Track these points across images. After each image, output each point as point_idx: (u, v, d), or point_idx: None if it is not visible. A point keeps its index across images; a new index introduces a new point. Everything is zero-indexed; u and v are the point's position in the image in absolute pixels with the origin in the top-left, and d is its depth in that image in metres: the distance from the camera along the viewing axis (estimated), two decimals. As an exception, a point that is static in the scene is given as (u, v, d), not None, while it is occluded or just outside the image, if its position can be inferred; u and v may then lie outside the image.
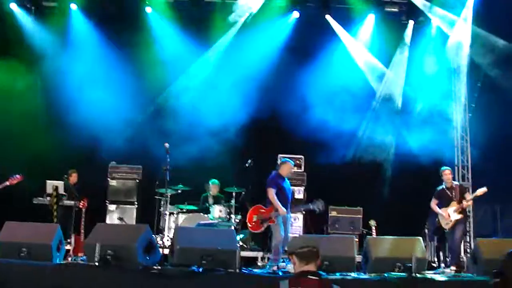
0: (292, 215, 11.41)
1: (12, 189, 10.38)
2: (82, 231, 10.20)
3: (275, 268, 8.24)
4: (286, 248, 8.82)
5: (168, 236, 11.10)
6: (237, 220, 11.32)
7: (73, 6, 13.35)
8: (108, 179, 12.41)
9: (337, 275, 7.44)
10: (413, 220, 13.05)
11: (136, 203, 12.29)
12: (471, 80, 14.43)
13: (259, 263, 10.25)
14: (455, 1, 13.75)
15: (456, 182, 10.95)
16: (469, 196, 10.42)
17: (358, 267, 8.41)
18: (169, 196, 11.39)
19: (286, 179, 9.74)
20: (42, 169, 11.67)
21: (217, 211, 11.23)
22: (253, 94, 12.97)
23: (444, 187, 10.54)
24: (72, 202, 10.67)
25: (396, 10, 13.79)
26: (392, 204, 12.69)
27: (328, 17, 13.73)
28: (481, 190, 10.25)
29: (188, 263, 7.39)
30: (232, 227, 10.65)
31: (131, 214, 12.16)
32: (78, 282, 7.07)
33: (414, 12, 13.86)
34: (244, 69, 13.15)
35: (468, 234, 13.42)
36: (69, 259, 9.19)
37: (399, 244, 8.39)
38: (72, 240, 10.25)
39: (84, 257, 8.29)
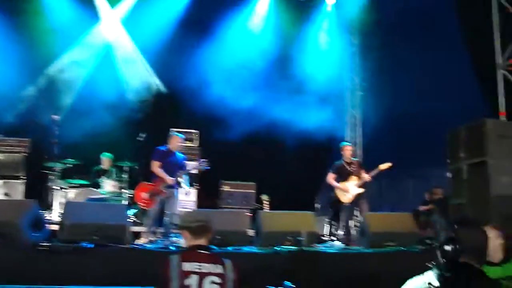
0: (185, 189, 11.43)
1: None
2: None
3: (166, 242, 8.22)
4: (176, 223, 8.85)
5: (57, 211, 10.78)
6: (130, 195, 11.16)
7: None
8: (-6, 152, 11.82)
9: (229, 249, 7.54)
10: (306, 195, 13.45)
11: (23, 177, 11.77)
12: (364, 58, 14.91)
13: (151, 238, 10.17)
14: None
15: (354, 158, 11.08)
16: (364, 173, 10.51)
17: (250, 241, 8.54)
18: (59, 171, 11.04)
19: (177, 153, 9.64)
20: None
21: (108, 186, 11.03)
22: (150, 68, 12.77)
23: (343, 162, 10.62)
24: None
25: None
26: (285, 180, 12.97)
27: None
28: (386, 165, 10.36)
29: (78, 238, 7.23)
30: (124, 202, 10.51)
31: (18, 189, 11.61)
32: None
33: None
34: (140, 42, 12.90)
35: (357, 208, 13.96)
36: None
37: (290, 218, 8.60)
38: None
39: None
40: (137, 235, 9.82)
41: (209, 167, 9.88)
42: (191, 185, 11.85)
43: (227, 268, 4.12)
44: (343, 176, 10.49)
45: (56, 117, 10.11)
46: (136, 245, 7.98)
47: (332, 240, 10.55)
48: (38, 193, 10.45)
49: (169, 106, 13.13)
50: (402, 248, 8.37)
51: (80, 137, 11.27)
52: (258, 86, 13.58)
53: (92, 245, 7.09)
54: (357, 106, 14.81)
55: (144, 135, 10.99)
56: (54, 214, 10.73)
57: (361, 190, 10.39)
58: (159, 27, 13.16)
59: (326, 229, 12.77)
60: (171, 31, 13.24)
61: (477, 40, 13.31)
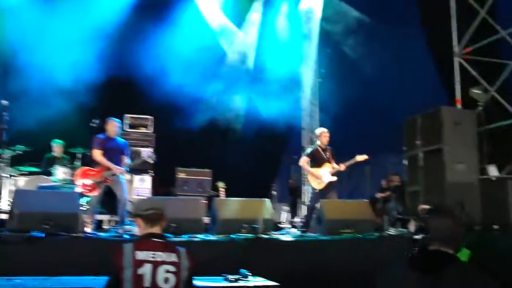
0: (139, 176, 11.36)
1: None
2: None
3: (120, 231, 8.17)
4: (130, 210, 8.79)
5: (6, 200, 10.56)
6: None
7: None
8: None
9: (185, 237, 7.54)
10: (262, 182, 13.52)
11: (-30, 165, 11.48)
12: (322, 46, 15.00)
13: (105, 226, 10.10)
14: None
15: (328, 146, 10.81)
16: (334, 162, 10.42)
17: (206, 229, 8.55)
18: (8, 158, 10.80)
19: (117, 138, 9.54)
20: None
21: (60, 173, 10.86)
22: (106, 53, 12.57)
23: (318, 147, 10.52)
24: None
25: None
26: (242, 167, 12.99)
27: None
28: (363, 156, 10.34)
29: (28, 228, 7.11)
30: (76, 190, 10.37)
31: (-36, 177, 11.33)
32: None
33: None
34: (96, 25, 12.66)
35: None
36: None
37: (247, 206, 8.64)
38: None
39: None
40: (99, 223, 9.74)
41: (155, 161, 9.79)
42: (145, 172, 11.77)
43: (182, 256, 4.13)
44: (317, 161, 10.42)
45: (4, 102, 9.86)
46: (89, 233, 7.90)
47: (289, 227, 10.64)
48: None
49: (125, 92, 12.96)
50: (359, 235, 8.51)
51: (31, 123, 11.02)
52: (216, 74, 13.55)
53: (43, 235, 6.98)
54: (315, 93, 14.92)
55: (97, 121, 10.81)
56: (3, 203, 10.51)
57: (334, 179, 10.33)
58: (114, 10, 12.94)
59: (283, 216, 12.91)
60: (126, 15, 13.04)
61: (436, 28, 13.56)
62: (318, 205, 9.73)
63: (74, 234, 7.22)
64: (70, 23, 12.78)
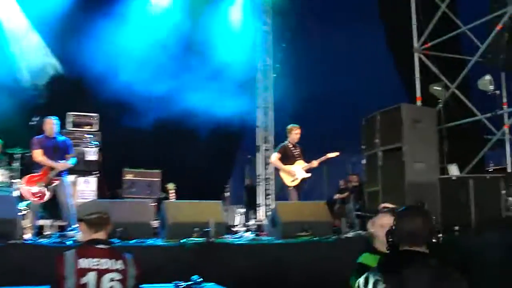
0: (83, 178, 11.20)
1: None
2: None
3: (62, 236, 8.04)
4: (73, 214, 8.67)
5: None
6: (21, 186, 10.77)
7: None
8: None
9: (132, 243, 7.47)
10: (215, 183, 13.50)
11: None
12: (277, 40, 15.06)
13: (47, 232, 9.92)
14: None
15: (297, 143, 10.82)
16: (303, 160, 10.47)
17: (155, 233, 8.50)
18: None
19: (58, 137, 9.41)
20: None
21: (-3, 175, 10.62)
22: (53, 48, 12.36)
23: (288, 143, 10.58)
24: None
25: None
26: (193, 168, 12.97)
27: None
28: (334, 153, 10.47)
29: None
30: (15, 193, 10.16)
31: None
32: None
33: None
34: (35, 18, 12.44)
35: (269, 196, 14.19)
36: None
37: (198, 208, 8.60)
38: None
39: None
40: (40, 229, 9.56)
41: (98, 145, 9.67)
42: (90, 173, 11.62)
43: (128, 263, 4.10)
44: (288, 158, 10.46)
45: None
46: (29, 240, 7.75)
47: (243, 231, 10.67)
48: None
49: (70, 90, 12.76)
50: (315, 238, 8.57)
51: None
52: (167, 71, 13.44)
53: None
54: (270, 89, 14.96)
55: (37, 119, 10.61)
56: None
57: (308, 175, 10.45)
58: (57, 3, 12.71)
59: (237, 219, 12.92)
60: (70, 7, 12.82)
61: (395, 23, 13.76)
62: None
63: (12, 241, 7.07)
64: (11, 16, 12.55)
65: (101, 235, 4.17)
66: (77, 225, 7.49)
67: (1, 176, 10.60)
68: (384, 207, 5.25)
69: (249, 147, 15.15)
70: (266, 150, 14.73)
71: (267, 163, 14.70)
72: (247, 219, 13.11)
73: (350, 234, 9.23)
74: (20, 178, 10.62)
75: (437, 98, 12.76)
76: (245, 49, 14.55)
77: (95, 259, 3.98)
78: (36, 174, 9.08)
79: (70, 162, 9.22)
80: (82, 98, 12.68)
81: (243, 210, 13.51)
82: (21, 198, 8.97)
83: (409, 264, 3.46)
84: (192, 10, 14.11)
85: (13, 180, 10.64)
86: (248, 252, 7.98)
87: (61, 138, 9.45)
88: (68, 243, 7.40)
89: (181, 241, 7.76)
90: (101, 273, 3.95)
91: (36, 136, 9.25)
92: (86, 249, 4.08)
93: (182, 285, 6.17)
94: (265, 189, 14.66)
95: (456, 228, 9.32)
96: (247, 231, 10.69)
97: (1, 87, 11.85)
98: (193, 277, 6.33)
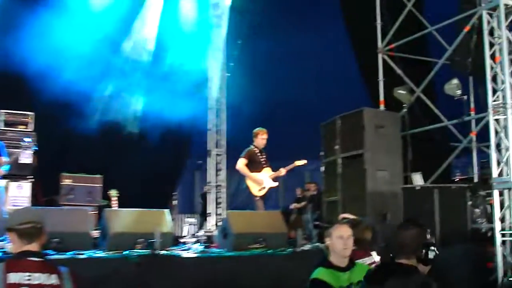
0: (16, 183, 10.98)
1: None
2: None
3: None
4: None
5: None
6: None
7: None
8: None
9: (69, 255, 7.35)
10: (162, 190, 13.42)
11: None
12: (232, 36, 15.06)
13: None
14: None
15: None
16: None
17: (95, 244, 8.38)
18: None
19: None
20: None
21: None
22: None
23: (254, 148, 10.37)
24: None
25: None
26: (138, 173, 12.86)
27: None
28: (302, 161, 10.32)
29: None
30: None
31: None
32: None
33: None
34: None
35: (219, 205, 14.16)
36: None
37: (143, 217, 8.52)
38: None
39: None
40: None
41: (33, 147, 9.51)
42: (23, 177, 11.40)
43: (64, 277, 4.02)
44: (254, 165, 10.31)
45: None
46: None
47: (191, 242, 10.59)
48: None
49: (3, 86, 12.49)
50: (269, 250, 8.57)
51: None
52: (113, 69, 13.31)
53: None
54: (223, 89, 14.94)
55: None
56: None
57: (275, 184, 10.34)
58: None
59: (185, 229, 12.85)
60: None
61: (359, 22, 13.89)
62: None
63: None
64: None
65: (34, 246, 4.08)
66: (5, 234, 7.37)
67: None
68: (344, 218, 5.30)
69: (200, 152, 15.10)
70: (217, 155, 14.69)
71: (218, 169, 14.66)
72: (201, 229, 13.07)
73: (307, 247, 9.26)
74: None
75: (402, 102, 12.93)
76: (197, 46, 14.49)
77: (26, 273, 3.89)
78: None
79: (3, 169, 9.02)
80: (18, 96, 12.43)
81: (193, 219, 13.45)
82: None
83: (394, 277, 3.64)
84: (140, 3, 14.01)
85: None
86: (197, 266, 7.94)
87: None
88: (-4, 254, 7.24)
89: (124, 253, 7.67)
90: (33, 288, 3.87)
91: None
92: (16, 262, 3.98)
93: (123, 301, 6.11)
94: (216, 197, 14.61)
95: (419, 241, 9.44)
96: (196, 242, 10.62)
97: None
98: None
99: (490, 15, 9.97)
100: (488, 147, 10.09)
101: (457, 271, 8.18)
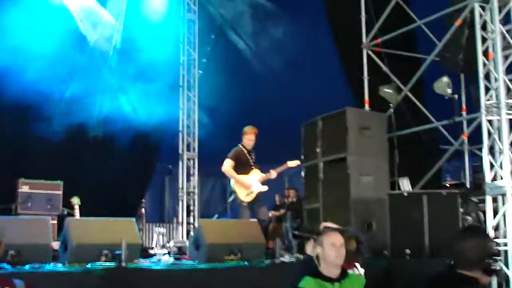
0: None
1: None
2: None
3: None
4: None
5: None
6: None
7: None
8: None
9: (27, 268, 7.30)
10: (129, 197, 13.36)
11: None
12: (205, 31, 15.04)
13: None
14: None
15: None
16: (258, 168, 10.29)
17: (55, 257, 8.32)
18: None
19: None
20: None
21: None
22: None
23: (242, 148, 10.33)
24: None
25: None
26: (102, 179, 12.79)
27: None
28: (294, 162, 10.39)
29: None
30: None
31: None
32: None
33: None
34: None
35: (191, 214, 14.13)
36: None
37: (108, 227, 8.48)
38: None
39: None
40: None
41: None
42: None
43: (19, 291, 4.01)
44: (243, 167, 10.25)
45: None
46: None
47: (161, 254, 10.56)
48: None
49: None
50: (246, 262, 8.58)
51: None
52: (76, 68, 13.22)
53: None
54: (194, 88, 14.91)
55: None
56: None
57: (264, 188, 10.27)
58: None
59: (155, 240, 12.82)
60: None
61: (342, 16, 13.91)
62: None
63: None
64: None
65: (-13, 258, 4.06)
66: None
67: None
68: (326, 227, 5.31)
69: (170, 155, 15.05)
70: (189, 159, 14.66)
71: (190, 174, 14.63)
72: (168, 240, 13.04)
73: (287, 258, 9.27)
74: None
75: (388, 102, 12.99)
76: (167, 40, 14.46)
77: (-21, 288, 3.87)
78: None
79: None
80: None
81: (162, 229, 13.41)
82: None
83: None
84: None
85: None
86: (167, 279, 7.93)
87: None
88: None
89: (87, 266, 7.64)
90: (-15, 304, 3.84)
91: None
92: (-32, 275, 3.96)
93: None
94: (188, 205, 14.58)
95: (407, 251, 9.49)
96: (166, 254, 10.59)
97: None
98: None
99: (483, 7, 10.03)
100: (480, 149, 10.16)
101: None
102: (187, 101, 14.72)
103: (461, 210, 9.70)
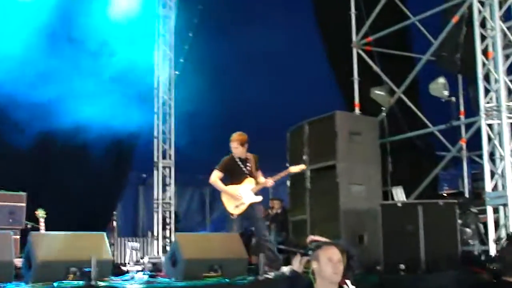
0: None
1: None
2: None
3: None
4: None
5: None
6: None
7: None
8: None
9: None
10: (99, 209, 13.31)
11: None
12: (182, 29, 15.01)
13: None
14: None
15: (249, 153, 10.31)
16: (260, 175, 10.13)
17: (18, 275, 8.27)
18: None
19: None
20: None
21: None
22: None
23: (233, 156, 10.16)
24: None
25: None
26: (70, 190, 12.73)
27: None
28: (298, 167, 10.15)
29: None
30: None
31: None
32: None
33: None
34: None
35: (168, 227, 14.07)
36: None
37: (76, 242, 8.43)
38: None
39: None
40: None
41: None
42: None
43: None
44: (235, 176, 10.12)
45: None
46: None
47: (135, 271, 10.53)
48: None
49: None
50: (227, 279, 8.57)
51: None
52: (52, 73, 13.16)
53: None
54: (171, 90, 14.87)
55: None
56: None
57: (258, 199, 10.10)
58: None
59: (128, 256, 12.78)
60: None
61: (333, 14, 13.94)
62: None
63: None
64: None
65: None
66: None
67: None
68: (313, 241, 5.29)
69: (144, 163, 15.00)
70: (164, 167, 14.59)
71: (166, 184, 14.57)
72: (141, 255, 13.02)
73: (271, 274, 9.27)
74: None
75: (380, 105, 13.02)
76: (141, 38, 14.41)
77: None
78: None
79: None
80: None
81: (136, 244, 13.36)
82: None
83: None
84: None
85: None
86: (140, 298, 7.92)
87: None
88: None
89: (53, 285, 7.60)
90: None
91: None
92: None
93: None
94: (163, 217, 14.52)
95: (402, 266, 9.50)
96: (140, 271, 10.56)
97: None
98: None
99: (482, 3, 10.07)
100: (480, 156, 10.21)
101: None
102: (163, 104, 14.66)
103: (459, 221, 9.73)
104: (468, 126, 11.67)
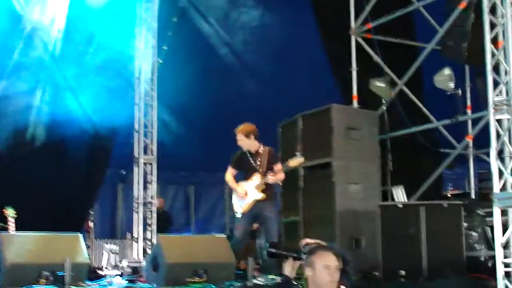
0: None
1: None
2: None
3: None
4: None
5: None
6: None
7: None
8: None
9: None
10: (74, 209, 13.29)
11: None
12: (165, 12, 14.96)
13: None
14: None
15: (264, 147, 10.38)
16: (279, 166, 10.10)
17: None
18: None
19: None
20: None
21: None
22: None
23: (245, 151, 10.28)
24: None
25: None
26: (42, 187, 12.69)
27: None
28: (297, 160, 10.11)
29: None
30: None
31: None
32: None
33: None
34: None
35: (149, 228, 14.05)
36: None
37: (49, 244, 8.46)
38: None
39: None
40: None
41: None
42: None
43: None
44: (245, 172, 10.25)
45: None
46: None
47: (113, 275, 10.54)
48: None
49: None
50: (213, 285, 8.58)
51: None
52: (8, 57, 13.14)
53: None
54: (153, 80, 14.81)
55: None
56: None
57: (261, 196, 10.07)
58: None
59: (105, 258, 12.77)
60: None
61: (329, 2, 13.94)
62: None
63: None
64: None
65: None
66: None
67: None
68: (307, 244, 5.29)
69: (124, 159, 14.95)
70: (146, 163, 14.54)
71: (147, 181, 14.51)
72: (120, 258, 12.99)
73: (261, 280, 9.27)
74: None
75: (380, 97, 13.01)
76: (121, 23, 14.35)
77: None
78: None
79: None
80: None
81: (114, 246, 13.33)
82: None
83: None
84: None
85: None
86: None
87: None
88: None
89: (22, 289, 7.60)
90: None
91: None
92: None
93: None
94: (144, 217, 14.48)
95: (402, 273, 9.51)
96: (118, 275, 10.56)
97: None
98: None
99: (491, -12, 10.05)
100: (487, 154, 10.19)
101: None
102: (145, 95, 14.59)
103: (465, 224, 9.75)
104: (475, 122, 11.67)
